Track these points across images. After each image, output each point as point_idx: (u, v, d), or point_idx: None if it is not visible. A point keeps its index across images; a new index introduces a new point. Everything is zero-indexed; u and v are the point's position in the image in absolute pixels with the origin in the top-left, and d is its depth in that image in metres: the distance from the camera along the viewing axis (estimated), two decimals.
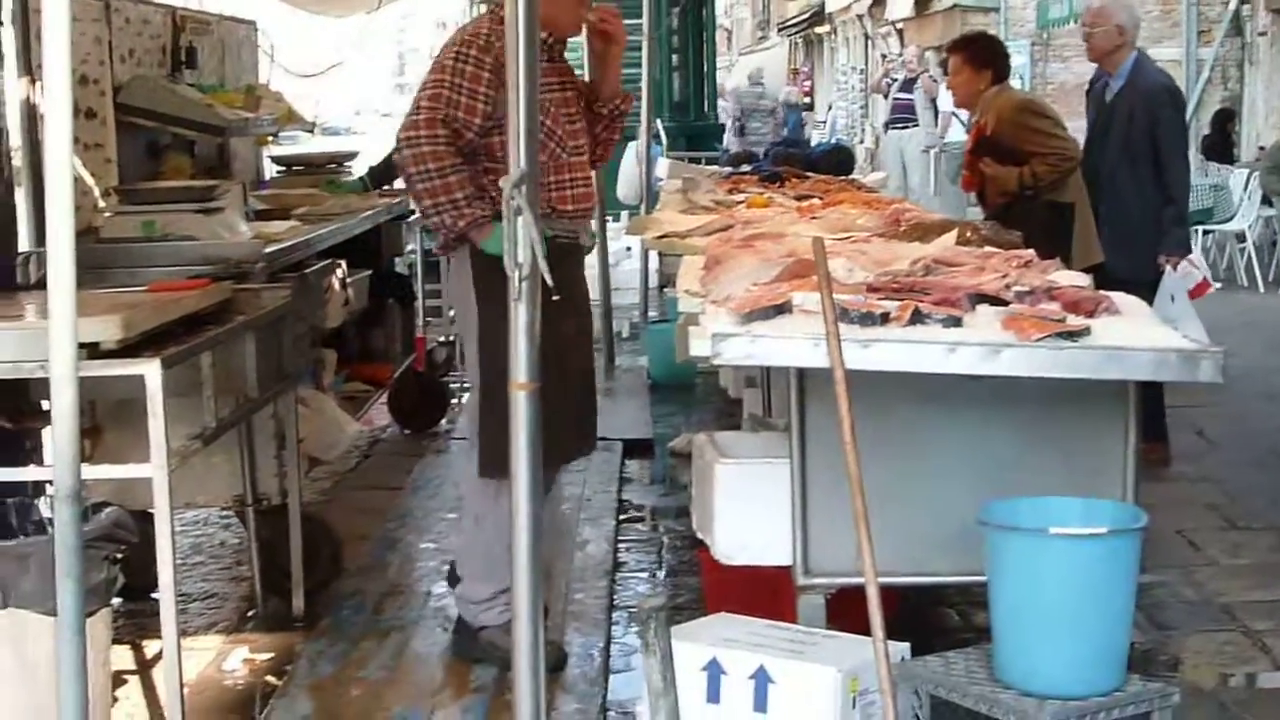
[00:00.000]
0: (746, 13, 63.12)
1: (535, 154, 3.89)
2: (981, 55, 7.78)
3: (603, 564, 6.52)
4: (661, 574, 6.59)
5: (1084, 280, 4.91)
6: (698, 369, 9.19)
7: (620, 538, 7.02)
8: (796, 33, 50.77)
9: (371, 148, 19.56)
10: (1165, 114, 7.91)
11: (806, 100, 24.67)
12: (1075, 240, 7.35)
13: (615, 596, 6.22)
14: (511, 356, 3.83)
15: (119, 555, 4.35)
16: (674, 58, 17.95)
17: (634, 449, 8.48)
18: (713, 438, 4.95)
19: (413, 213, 8.94)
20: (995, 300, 4.47)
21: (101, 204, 6.26)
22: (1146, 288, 7.17)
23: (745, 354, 4.21)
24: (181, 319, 4.83)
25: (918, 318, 4.24)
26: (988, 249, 5.52)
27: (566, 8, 5.31)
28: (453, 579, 5.61)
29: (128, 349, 4.39)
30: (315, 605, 5.90)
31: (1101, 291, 4.67)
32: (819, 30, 47.60)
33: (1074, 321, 4.24)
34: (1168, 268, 7.67)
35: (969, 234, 5.82)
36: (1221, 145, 16.75)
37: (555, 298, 3.90)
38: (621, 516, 7.35)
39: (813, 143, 21.23)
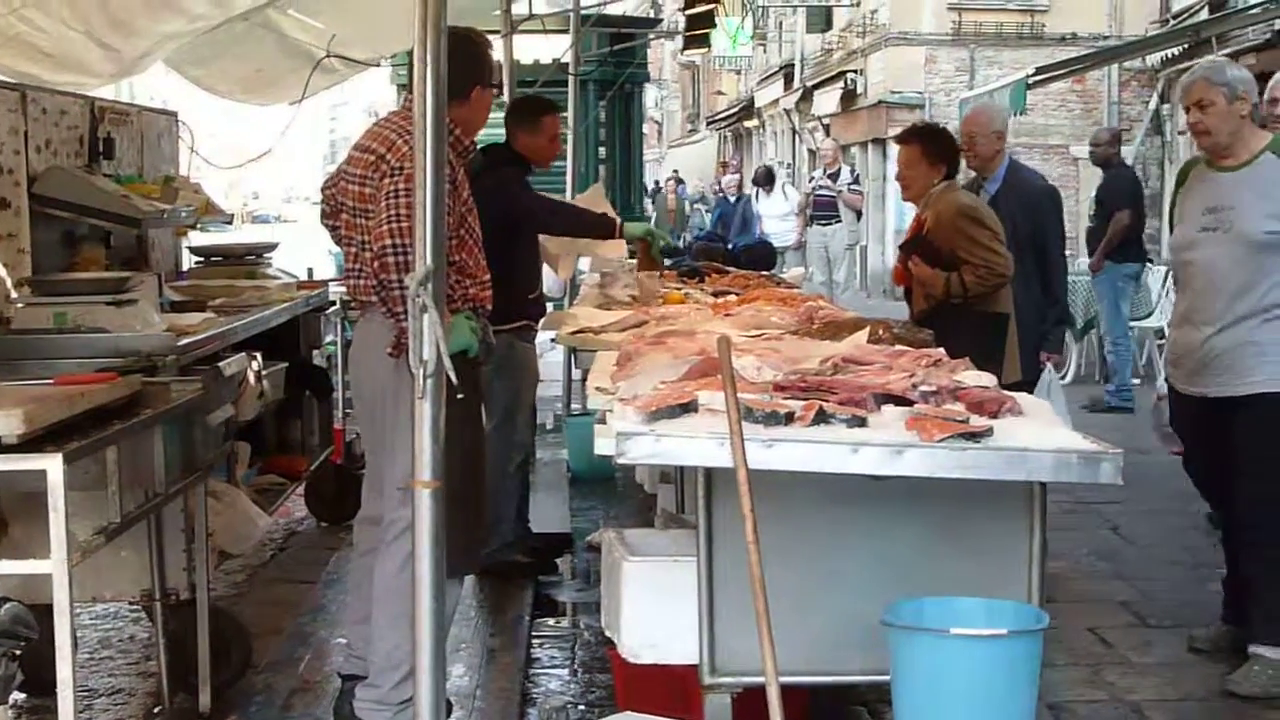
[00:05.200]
0: (677, 105, 63.73)
1: (443, 250, 3.92)
2: (938, 150, 7.53)
3: (516, 659, 6.49)
4: (575, 670, 6.56)
5: (990, 380, 4.94)
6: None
7: (535, 633, 6.99)
8: (726, 126, 51.30)
9: (300, 237, 19.56)
10: (1049, 216, 8.09)
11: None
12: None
13: (528, 692, 6.19)
14: (416, 454, 3.84)
15: (18, 651, 4.30)
16: (600, 150, 18.03)
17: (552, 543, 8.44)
18: (621, 535, 4.95)
19: (332, 304, 8.94)
20: (901, 400, 4.50)
21: (14, 294, 6.22)
22: (1027, 386, 7.19)
23: (650, 453, 4.22)
24: (89, 412, 4.80)
25: (822, 417, 4.26)
26: (898, 347, 5.56)
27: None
28: (350, 677, 5.56)
29: (31, 442, 4.36)
30: (223, 701, 5.83)
31: (1006, 392, 4.71)
32: (748, 124, 48.12)
33: (977, 422, 4.27)
34: (1049, 366, 7.81)
35: (880, 332, 5.86)
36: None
37: (460, 395, 3.91)
38: (537, 611, 7.33)
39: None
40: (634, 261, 10.01)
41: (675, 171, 37.42)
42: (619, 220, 7.90)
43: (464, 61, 5.14)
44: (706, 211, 32.05)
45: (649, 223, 23.02)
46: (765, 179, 23.20)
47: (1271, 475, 6.04)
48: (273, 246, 9.27)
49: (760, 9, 37.76)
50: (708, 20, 20.69)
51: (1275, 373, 6.01)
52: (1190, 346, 6.22)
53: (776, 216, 21.89)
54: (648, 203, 23.89)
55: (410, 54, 5.22)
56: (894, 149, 23.48)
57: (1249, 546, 6.24)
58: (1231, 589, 6.58)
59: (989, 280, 7.22)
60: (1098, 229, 13.81)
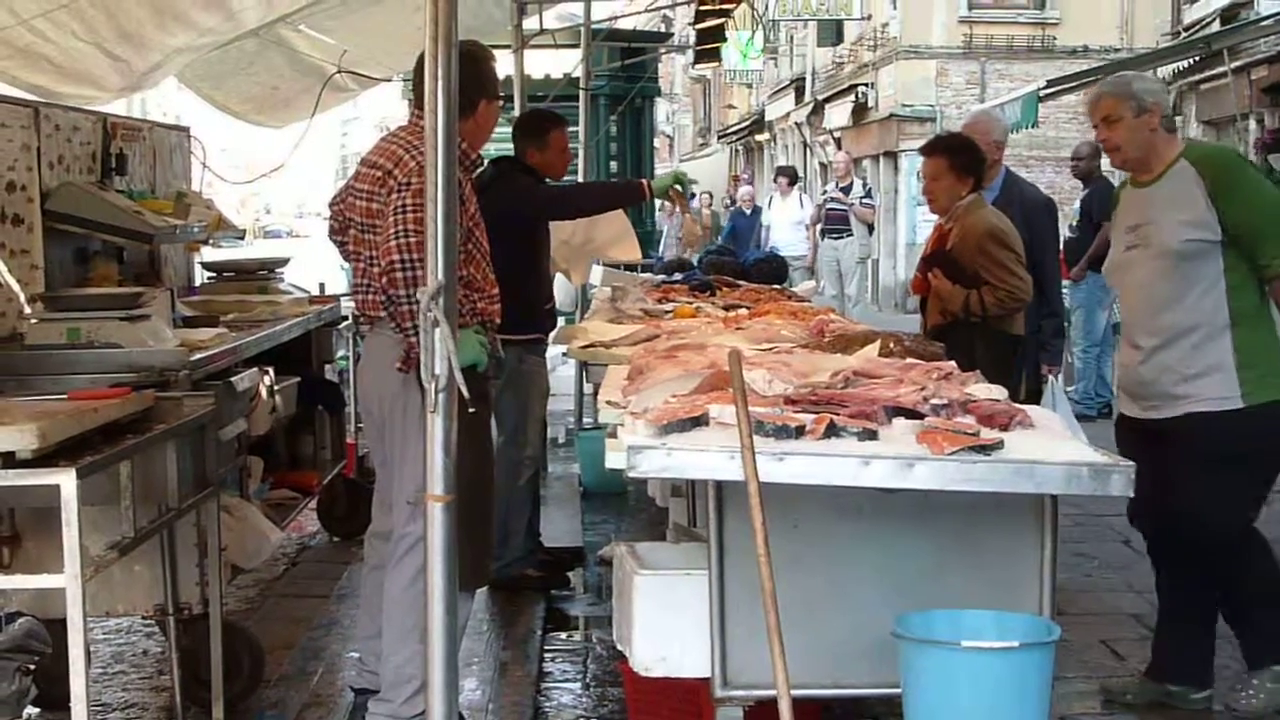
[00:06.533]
0: (688, 120, 63.75)
1: (454, 265, 3.93)
2: (966, 162, 7.37)
3: (528, 673, 6.49)
4: (587, 684, 6.57)
5: (1001, 393, 4.94)
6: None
7: (548, 647, 7.00)
8: (737, 140, 51.30)
9: (312, 251, 19.58)
10: (1046, 228, 8.08)
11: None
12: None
13: (540, 706, 6.20)
14: (428, 468, 3.85)
15: (32, 666, 4.31)
16: (612, 164, 18.02)
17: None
18: (633, 548, 4.95)
19: (344, 319, 8.95)
20: (912, 413, 4.50)
21: (27, 310, 6.24)
22: (1032, 398, 7.15)
23: (661, 467, 4.22)
24: (102, 428, 4.82)
25: (833, 431, 4.26)
26: (909, 360, 5.55)
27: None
28: (362, 692, 5.57)
29: (45, 458, 4.37)
30: (235, 716, 5.84)
31: (1016, 405, 4.71)
32: (759, 138, 48.11)
33: (988, 435, 4.27)
34: (1052, 378, 7.80)
35: (891, 345, 5.86)
36: None
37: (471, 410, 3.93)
38: (549, 625, 7.34)
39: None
40: (644, 276, 10.04)
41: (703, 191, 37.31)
42: (644, 180, 7.93)
43: (467, 75, 5.14)
44: None
45: (661, 235, 23.06)
46: (790, 174, 23.24)
47: (1210, 499, 5.80)
48: (284, 261, 9.28)
49: (771, 23, 37.76)
50: (718, 34, 20.69)
51: (1200, 391, 5.78)
52: (1128, 366, 6.09)
53: (789, 223, 21.82)
54: (659, 215, 23.85)
55: (420, 69, 5.25)
56: (905, 162, 23.42)
57: (1224, 580, 6.04)
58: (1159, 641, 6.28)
59: (1008, 304, 7.14)
60: (1080, 240, 14.01)
